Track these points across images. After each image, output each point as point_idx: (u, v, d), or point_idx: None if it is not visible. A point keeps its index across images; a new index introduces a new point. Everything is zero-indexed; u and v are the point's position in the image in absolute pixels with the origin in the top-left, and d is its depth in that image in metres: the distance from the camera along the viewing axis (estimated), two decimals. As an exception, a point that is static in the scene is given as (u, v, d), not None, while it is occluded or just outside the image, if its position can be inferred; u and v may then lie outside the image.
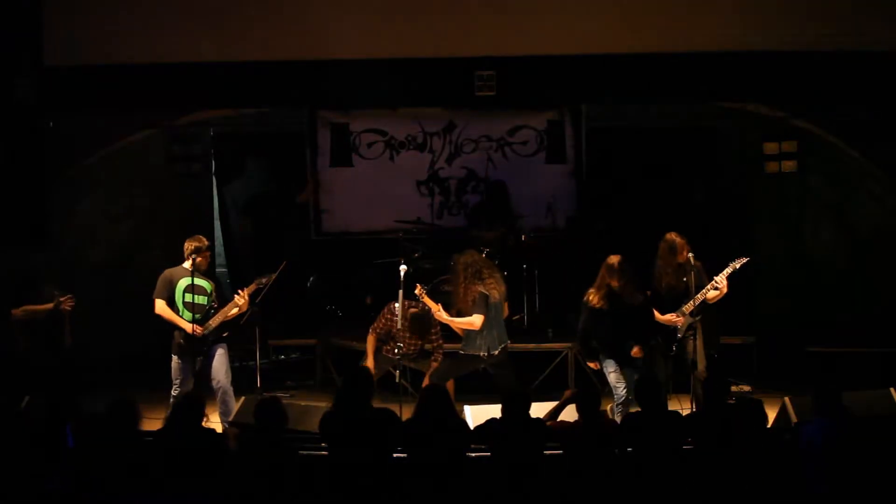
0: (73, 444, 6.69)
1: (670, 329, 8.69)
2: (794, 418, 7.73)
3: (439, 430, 6.58)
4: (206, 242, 8.45)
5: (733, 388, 9.67)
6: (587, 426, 6.78)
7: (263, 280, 8.66)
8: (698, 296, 8.57)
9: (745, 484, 6.43)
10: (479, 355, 8.58)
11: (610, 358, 8.48)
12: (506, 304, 8.96)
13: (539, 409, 7.22)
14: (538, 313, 10.72)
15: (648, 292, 8.71)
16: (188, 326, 8.23)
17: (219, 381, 8.31)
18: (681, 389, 9.15)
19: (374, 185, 12.01)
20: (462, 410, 7.65)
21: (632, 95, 10.85)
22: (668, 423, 6.75)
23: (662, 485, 6.53)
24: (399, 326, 8.77)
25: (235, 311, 8.41)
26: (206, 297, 8.36)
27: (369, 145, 12.05)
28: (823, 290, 11.60)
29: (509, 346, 8.89)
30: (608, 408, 8.24)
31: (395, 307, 8.80)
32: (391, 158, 12.08)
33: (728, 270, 8.70)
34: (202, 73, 10.54)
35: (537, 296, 10.73)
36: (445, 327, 9.04)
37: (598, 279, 8.54)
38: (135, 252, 11.64)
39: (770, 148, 11.46)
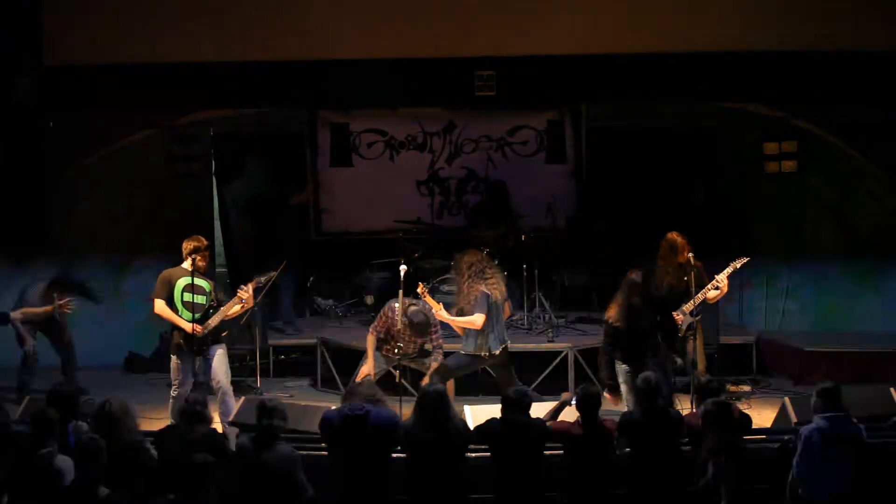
0: (74, 444, 6.68)
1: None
2: (794, 418, 7.73)
3: (438, 430, 6.57)
4: (205, 242, 8.44)
5: (733, 388, 9.66)
6: (587, 426, 6.78)
7: (262, 279, 8.64)
8: (699, 295, 8.57)
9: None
10: (479, 355, 8.57)
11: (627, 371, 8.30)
12: (507, 304, 8.96)
13: (539, 409, 7.21)
14: (538, 313, 10.71)
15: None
16: (188, 326, 8.22)
17: (219, 382, 8.30)
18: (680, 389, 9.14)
19: (374, 185, 12.01)
20: (462, 410, 7.64)
21: (632, 95, 10.86)
22: (666, 423, 6.73)
23: (661, 485, 6.53)
24: (399, 326, 8.76)
25: (237, 308, 8.40)
26: (204, 297, 8.36)
27: (369, 145, 12.05)
28: (823, 290, 11.61)
29: (509, 346, 8.88)
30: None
31: (394, 307, 8.80)
32: (391, 158, 12.08)
33: (729, 270, 8.70)
34: (202, 73, 10.55)
35: (537, 296, 10.72)
36: (445, 326, 9.04)
37: (619, 296, 8.28)
38: (135, 252, 11.64)
39: (770, 148, 11.46)
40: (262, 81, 10.69)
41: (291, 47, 10.50)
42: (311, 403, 8.60)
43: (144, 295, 8.68)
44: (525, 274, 10.52)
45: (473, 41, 10.45)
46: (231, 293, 8.48)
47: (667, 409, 6.75)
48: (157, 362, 10.79)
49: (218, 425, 7.94)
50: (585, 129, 11.87)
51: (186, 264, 8.36)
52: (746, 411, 7.48)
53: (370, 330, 8.99)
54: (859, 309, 11.45)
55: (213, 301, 8.37)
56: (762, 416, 8.45)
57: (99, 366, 10.53)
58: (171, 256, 8.63)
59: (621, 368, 8.18)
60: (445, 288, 9.80)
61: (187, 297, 8.31)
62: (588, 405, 6.84)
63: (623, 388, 8.15)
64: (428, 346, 8.98)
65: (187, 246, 8.36)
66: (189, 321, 8.23)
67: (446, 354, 8.90)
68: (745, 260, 8.76)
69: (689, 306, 8.60)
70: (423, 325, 8.75)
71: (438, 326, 8.89)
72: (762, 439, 7.51)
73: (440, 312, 8.66)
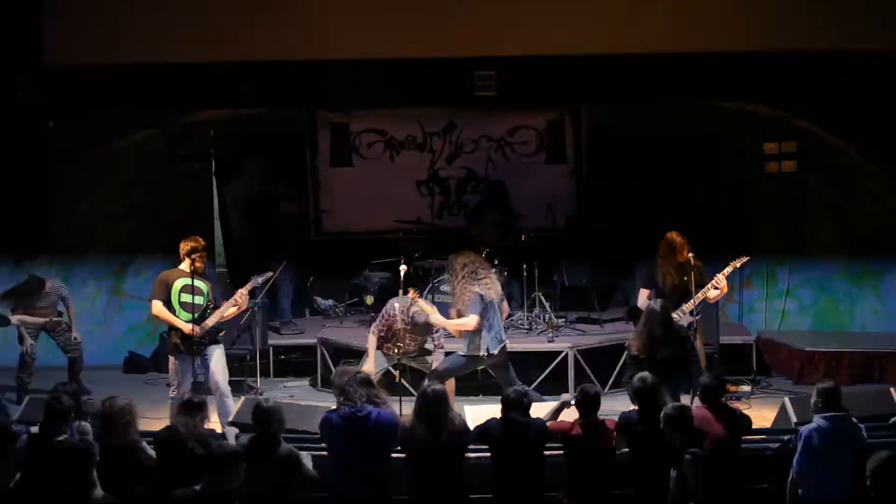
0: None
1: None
2: (793, 418, 7.73)
3: (438, 430, 6.57)
4: (203, 243, 8.43)
5: (732, 388, 9.67)
6: (587, 426, 6.78)
7: (260, 279, 8.64)
8: (698, 295, 8.57)
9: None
10: (478, 356, 8.56)
11: None
12: (504, 304, 8.94)
13: (539, 409, 7.22)
14: (538, 313, 10.71)
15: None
16: (186, 326, 8.23)
17: (216, 382, 8.30)
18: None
19: (374, 185, 12.02)
20: (462, 410, 7.64)
21: (632, 95, 10.84)
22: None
23: (659, 485, 6.53)
24: (399, 325, 8.76)
25: (233, 310, 8.40)
26: (202, 298, 8.36)
27: (369, 145, 12.06)
28: (823, 290, 11.61)
29: (508, 345, 8.87)
30: None
31: (395, 306, 8.80)
32: (391, 158, 12.09)
33: (728, 269, 8.70)
34: (202, 73, 10.54)
35: (537, 296, 10.72)
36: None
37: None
38: (135, 252, 11.64)
39: (770, 148, 11.47)
40: (262, 81, 10.68)
41: (291, 47, 10.49)
42: (311, 403, 8.62)
43: (144, 295, 8.68)
44: (525, 274, 10.53)
45: (473, 41, 10.44)
46: (228, 294, 8.49)
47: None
48: (156, 362, 10.81)
49: (216, 425, 7.94)
50: (585, 129, 11.87)
51: (184, 265, 8.37)
52: (746, 411, 7.49)
53: (371, 329, 9.00)
54: (859, 309, 11.45)
55: (210, 302, 8.37)
56: (762, 416, 8.45)
57: (99, 366, 10.53)
58: (171, 256, 8.64)
59: None
60: (445, 288, 9.80)
61: (185, 297, 8.31)
62: (588, 405, 6.84)
63: None
64: (429, 346, 8.98)
65: (184, 247, 8.36)
66: (187, 322, 8.24)
67: (446, 354, 8.91)
68: (744, 259, 8.75)
69: (689, 306, 8.61)
70: (424, 324, 8.74)
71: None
72: (762, 439, 7.51)
73: (433, 316, 8.63)
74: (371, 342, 8.93)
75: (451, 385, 8.59)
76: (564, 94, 11.19)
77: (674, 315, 8.63)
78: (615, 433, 6.82)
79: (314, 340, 10.57)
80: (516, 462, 6.68)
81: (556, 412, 7.24)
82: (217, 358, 8.35)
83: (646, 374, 7.04)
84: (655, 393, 6.84)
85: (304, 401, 9.18)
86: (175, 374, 8.35)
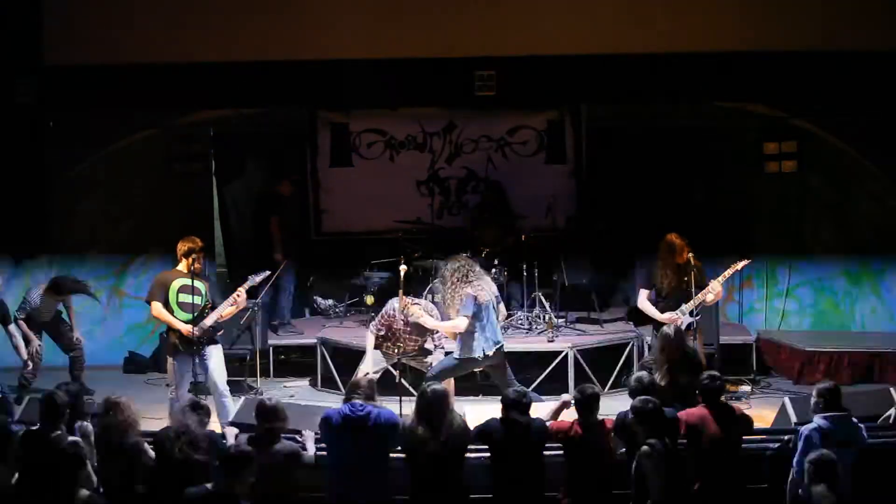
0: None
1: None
2: (793, 418, 7.73)
3: (438, 430, 6.57)
4: (200, 243, 8.42)
5: (732, 388, 9.67)
6: (586, 426, 6.78)
7: (258, 278, 8.62)
8: (698, 296, 8.57)
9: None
10: (474, 357, 8.52)
11: None
12: (501, 306, 8.91)
13: (539, 409, 7.21)
14: (538, 313, 10.71)
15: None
16: (184, 327, 8.23)
17: (215, 382, 8.30)
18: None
19: (374, 185, 12.00)
20: (462, 410, 7.62)
21: (631, 95, 10.85)
22: (661, 423, 6.71)
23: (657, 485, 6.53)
24: (399, 325, 8.76)
25: (231, 309, 8.40)
26: (200, 298, 8.36)
27: (369, 145, 12.05)
28: (823, 290, 11.61)
29: (506, 346, 8.86)
30: None
31: (395, 306, 8.79)
32: (391, 158, 12.08)
33: (727, 273, 8.70)
34: (202, 73, 10.54)
35: (537, 296, 10.72)
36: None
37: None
38: (135, 252, 11.64)
39: (770, 148, 11.46)
40: (262, 81, 10.68)
41: (291, 47, 10.49)
42: (311, 403, 8.62)
43: (144, 295, 8.67)
44: (525, 274, 10.53)
45: (473, 41, 10.44)
46: (227, 294, 8.49)
47: (661, 409, 6.73)
48: (156, 362, 10.81)
49: (216, 426, 7.94)
50: (585, 129, 11.86)
51: (182, 266, 8.37)
52: (746, 411, 7.48)
53: (370, 329, 8.99)
54: (859, 309, 11.46)
55: (208, 302, 8.37)
56: (762, 417, 8.45)
57: (99, 366, 10.53)
58: (170, 256, 8.65)
59: None
60: (411, 300, 9.74)
61: (183, 298, 8.32)
62: (587, 405, 6.84)
63: None
64: (429, 346, 8.98)
65: (182, 247, 8.36)
66: (185, 322, 8.24)
67: (447, 354, 8.90)
68: (745, 262, 8.75)
69: (688, 306, 8.61)
70: (423, 324, 8.72)
71: (440, 325, 8.87)
72: (762, 439, 7.51)
73: (425, 320, 8.60)
74: (369, 341, 8.92)
75: (450, 385, 8.57)
76: (564, 94, 11.18)
77: (674, 315, 8.64)
78: (612, 433, 6.82)
79: (314, 340, 10.57)
80: (516, 462, 6.68)
81: (556, 412, 7.24)
82: (216, 358, 8.34)
83: (642, 374, 7.03)
84: (652, 393, 6.84)
85: (304, 401, 9.18)
86: (174, 374, 8.35)
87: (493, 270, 10.18)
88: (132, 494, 6.52)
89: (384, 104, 11.51)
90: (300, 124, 12.00)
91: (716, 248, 9.74)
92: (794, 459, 6.64)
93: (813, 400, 6.85)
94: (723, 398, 7.06)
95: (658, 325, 8.75)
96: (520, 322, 10.58)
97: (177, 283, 8.33)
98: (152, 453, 6.68)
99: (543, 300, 10.74)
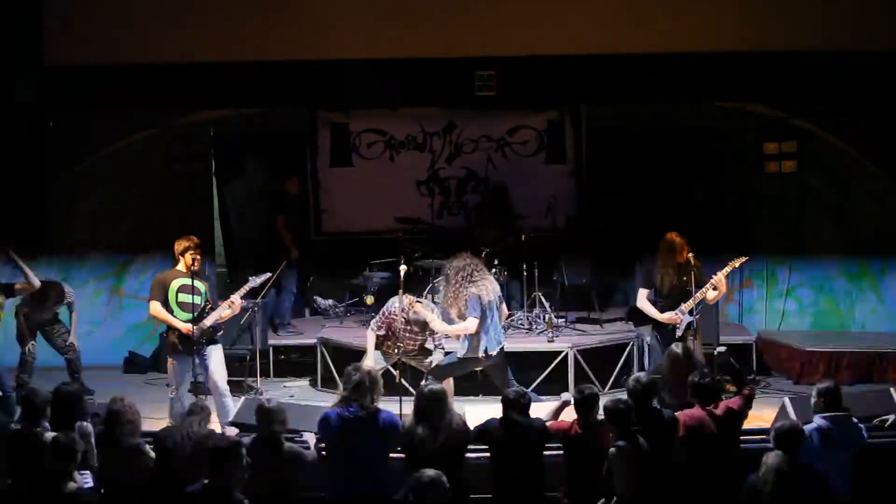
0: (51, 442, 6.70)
1: (669, 328, 8.69)
2: (794, 418, 7.71)
3: (438, 430, 6.57)
4: (196, 241, 8.42)
5: (731, 388, 9.64)
6: (586, 426, 6.78)
7: (258, 280, 8.62)
8: (697, 295, 8.57)
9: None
10: (477, 357, 8.53)
11: None
12: (503, 306, 8.92)
13: (539, 409, 7.21)
14: (538, 313, 10.71)
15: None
16: (184, 326, 8.23)
17: (215, 382, 8.30)
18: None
19: (374, 185, 12.00)
20: (462, 410, 7.63)
21: (631, 95, 10.85)
22: (660, 424, 6.72)
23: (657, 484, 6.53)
24: (399, 325, 8.76)
25: (227, 312, 8.41)
26: (200, 298, 8.37)
27: (369, 145, 12.05)
28: (823, 290, 11.62)
29: (507, 346, 8.86)
30: None
31: (395, 306, 8.79)
32: (391, 158, 12.08)
33: (727, 269, 8.69)
34: (202, 73, 10.55)
35: (537, 296, 10.72)
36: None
37: (666, 373, 7.84)
38: (135, 252, 11.64)
39: (770, 148, 11.48)
40: (262, 81, 10.68)
41: (291, 47, 10.49)
42: (311, 403, 8.62)
43: (144, 295, 8.68)
44: (525, 274, 10.53)
45: (473, 41, 10.45)
46: (225, 295, 8.49)
47: (660, 409, 6.74)
48: (156, 362, 10.80)
49: (216, 426, 7.94)
50: (585, 129, 11.86)
51: (180, 265, 8.37)
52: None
53: (371, 327, 8.99)
54: (859, 309, 11.46)
55: (208, 302, 8.38)
56: (762, 417, 8.44)
57: (99, 366, 10.53)
58: (170, 256, 8.64)
59: None
60: (415, 300, 9.74)
61: (183, 297, 8.32)
62: (587, 405, 6.84)
63: None
64: (429, 345, 8.98)
65: (178, 246, 8.37)
66: (185, 322, 8.24)
67: (447, 353, 8.89)
68: (743, 259, 8.74)
69: (687, 306, 8.60)
70: (423, 324, 8.72)
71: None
72: (762, 439, 7.50)
73: (433, 323, 8.57)
74: (370, 340, 8.92)
75: (450, 385, 8.58)
76: (564, 94, 11.18)
77: (674, 314, 8.64)
78: (611, 434, 6.81)
79: (314, 340, 10.57)
80: (516, 462, 6.68)
81: (556, 412, 7.24)
82: (216, 358, 8.34)
83: (640, 374, 7.03)
84: (649, 393, 6.84)
85: (304, 401, 9.18)
86: (174, 374, 8.35)
87: (493, 270, 10.17)
88: (132, 494, 6.52)
89: (384, 104, 11.52)
90: (300, 124, 12.01)
91: (716, 248, 9.73)
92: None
93: (813, 400, 6.85)
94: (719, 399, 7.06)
95: (658, 324, 8.76)
96: (520, 322, 10.59)
97: (176, 283, 8.33)
98: (152, 453, 6.69)
99: (543, 300, 10.75)
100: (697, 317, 8.64)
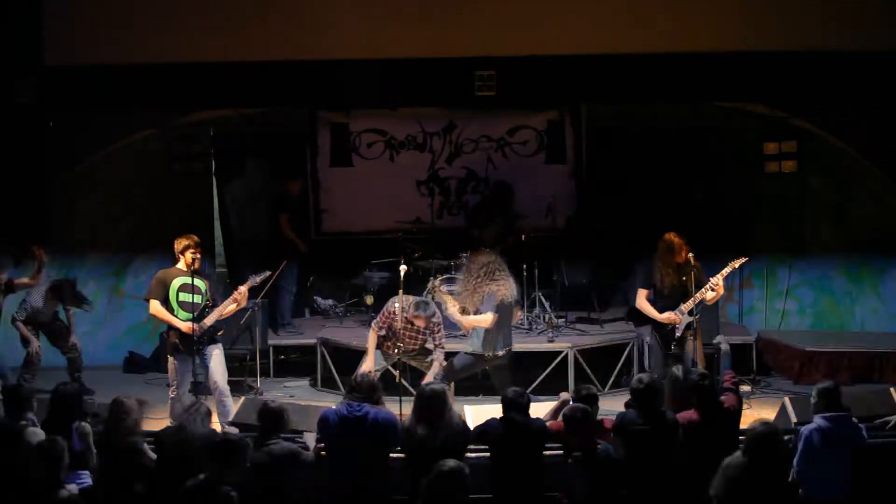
0: (79, 446, 6.71)
1: (669, 328, 8.69)
2: (793, 418, 7.73)
3: (438, 430, 6.57)
4: (196, 239, 8.42)
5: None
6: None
7: (258, 278, 8.63)
8: (696, 295, 8.57)
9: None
10: (483, 355, 8.56)
11: None
12: (517, 309, 8.93)
13: (539, 409, 7.22)
14: (538, 313, 10.72)
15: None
16: (184, 325, 8.23)
17: (216, 382, 8.30)
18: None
19: (374, 185, 12.01)
20: (462, 410, 7.64)
21: (632, 95, 10.84)
22: (662, 426, 6.71)
23: (656, 486, 6.53)
24: (399, 324, 8.76)
25: (233, 307, 8.40)
26: (200, 297, 8.37)
27: (369, 145, 12.05)
28: (823, 290, 11.62)
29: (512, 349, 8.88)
30: None
31: (395, 305, 8.80)
32: (391, 158, 12.08)
33: (726, 271, 8.70)
34: (202, 73, 10.54)
35: (537, 296, 10.72)
36: (449, 326, 9.04)
37: (668, 396, 7.42)
38: (135, 252, 11.64)
39: (770, 148, 11.48)
40: (262, 81, 10.67)
41: (291, 47, 10.48)
42: (311, 403, 8.62)
43: (144, 295, 8.68)
44: (525, 274, 10.53)
45: (473, 41, 10.43)
46: (227, 293, 8.49)
47: (663, 411, 6.73)
48: (156, 362, 10.80)
49: (216, 425, 7.94)
50: (585, 129, 11.86)
51: (180, 264, 8.37)
52: (747, 411, 7.47)
53: (372, 326, 9.00)
54: (859, 309, 11.46)
55: (208, 300, 8.37)
56: (762, 417, 8.43)
57: (99, 366, 10.54)
58: (170, 256, 8.65)
59: None
60: (446, 288, 9.79)
61: (183, 297, 8.32)
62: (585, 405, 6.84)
63: None
64: (429, 345, 8.99)
65: (178, 245, 8.37)
66: (186, 321, 8.24)
67: (447, 354, 8.90)
68: (743, 260, 8.74)
69: (687, 306, 8.61)
70: (424, 323, 8.72)
71: (441, 325, 8.88)
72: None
73: (452, 310, 8.64)
74: (371, 339, 8.92)
75: (450, 385, 8.59)
76: (564, 94, 11.17)
77: (673, 315, 8.64)
78: (611, 434, 6.81)
79: (314, 340, 10.57)
80: (516, 462, 6.68)
81: (556, 412, 7.24)
82: (216, 358, 8.35)
83: (643, 375, 7.03)
84: (652, 393, 6.83)
85: (304, 401, 9.18)
86: (174, 374, 8.35)
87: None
88: (132, 494, 6.52)
89: (384, 104, 11.52)
90: (300, 124, 12.01)
91: (716, 248, 9.74)
92: (794, 460, 6.64)
93: (813, 400, 6.85)
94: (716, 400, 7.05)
95: (657, 325, 8.76)
96: (520, 322, 10.58)
97: (177, 282, 8.33)
98: (152, 454, 6.68)
99: (543, 300, 10.75)
100: (697, 317, 8.64)
